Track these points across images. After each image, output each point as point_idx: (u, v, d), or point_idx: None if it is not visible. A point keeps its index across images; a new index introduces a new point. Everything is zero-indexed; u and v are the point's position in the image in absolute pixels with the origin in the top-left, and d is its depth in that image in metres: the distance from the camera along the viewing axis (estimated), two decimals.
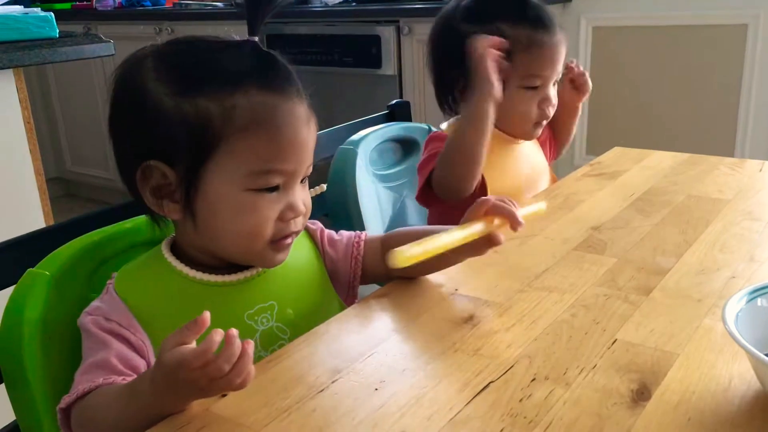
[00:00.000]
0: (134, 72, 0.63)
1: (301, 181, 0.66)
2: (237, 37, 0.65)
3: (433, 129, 1.18)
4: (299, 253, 0.73)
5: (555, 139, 1.19)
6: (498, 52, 0.94)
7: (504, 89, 0.96)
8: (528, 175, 1.06)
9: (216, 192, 0.62)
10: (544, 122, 1.03)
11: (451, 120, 1.08)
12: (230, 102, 0.60)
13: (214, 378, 0.49)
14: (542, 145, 1.15)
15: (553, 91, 1.03)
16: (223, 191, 0.62)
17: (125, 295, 0.65)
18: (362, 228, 1.08)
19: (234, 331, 0.50)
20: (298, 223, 0.66)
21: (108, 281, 0.67)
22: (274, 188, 0.63)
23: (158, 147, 0.62)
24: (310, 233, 0.76)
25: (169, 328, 0.63)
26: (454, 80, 1.02)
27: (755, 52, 2.21)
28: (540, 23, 0.99)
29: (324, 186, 0.78)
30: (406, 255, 0.62)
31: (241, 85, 0.60)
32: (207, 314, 0.51)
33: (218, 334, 0.49)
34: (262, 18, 0.64)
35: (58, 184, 3.50)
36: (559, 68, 1.02)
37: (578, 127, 1.24)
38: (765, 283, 0.56)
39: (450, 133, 0.99)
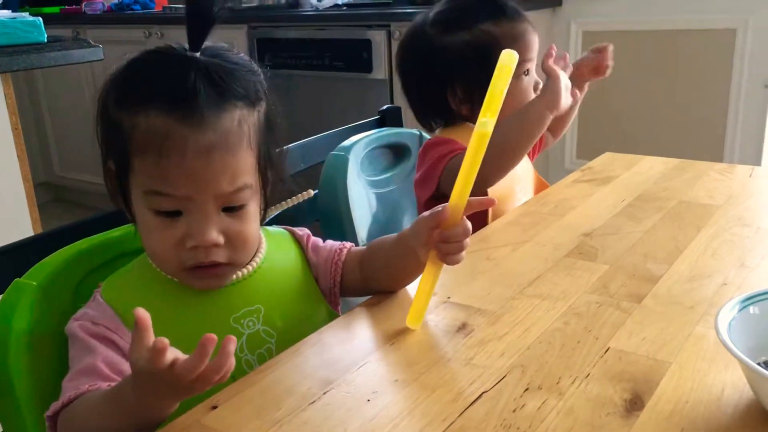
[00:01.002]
0: (105, 78, 0.65)
1: (231, 209, 0.63)
2: (189, 53, 0.62)
3: (425, 135, 1.18)
4: (287, 258, 0.73)
5: (553, 122, 1.20)
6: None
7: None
8: (519, 177, 1.07)
9: (135, 205, 0.64)
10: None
11: (443, 128, 1.08)
12: (135, 120, 0.60)
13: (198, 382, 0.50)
14: None
15: (536, 76, 1.07)
16: (137, 206, 0.63)
17: (112, 301, 0.65)
18: (354, 234, 1.08)
19: (231, 347, 0.49)
20: (210, 254, 0.62)
21: (95, 290, 0.67)
22: (175, 213, 0.62)
23: (104, 150, 0.65)
24: (297, 239, 0.76)
25: (155, 333, 0.63)
26: (444, 93, 1.04)
27: (744, 56, 2.23)
28: (517, 15, 1.05)
29: (311, 192, 0.78)
30: (413, 320, 0.66)
31: (146, 105, 0.60)
32: (212, 338, 0.49)
33: (210, 343, 0.48)
34: (204, 33, 0.62)
35: (47, 189, 3.48)
36: (537, 50, 1.07)
37: (569, 132, 1.25)
38: (757, 292, 0.56)
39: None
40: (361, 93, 2.36)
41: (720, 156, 2.32)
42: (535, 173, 1.16)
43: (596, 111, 2.41)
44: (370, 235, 1.10)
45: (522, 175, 1.09)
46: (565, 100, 0.96)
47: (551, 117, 0.96)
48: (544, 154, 1.25)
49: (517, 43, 1.01)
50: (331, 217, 1.08)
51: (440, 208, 0.65)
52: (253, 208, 0.65)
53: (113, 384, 0.57)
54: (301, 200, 0.78)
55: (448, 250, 0.65)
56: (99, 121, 0.64)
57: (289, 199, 0.76)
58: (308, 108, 2.50)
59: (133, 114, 0.60)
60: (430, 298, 0.67)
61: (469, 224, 0.65)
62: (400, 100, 2.20)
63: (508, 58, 0.63)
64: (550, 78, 0.97)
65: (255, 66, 0.67)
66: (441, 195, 0.99)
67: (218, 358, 0.49)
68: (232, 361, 0.50)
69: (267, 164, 0.66)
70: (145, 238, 0.64)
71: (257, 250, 0.70)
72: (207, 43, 0.63)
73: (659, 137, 2.40)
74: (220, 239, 0.62)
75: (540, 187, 1.14)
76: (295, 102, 2.52)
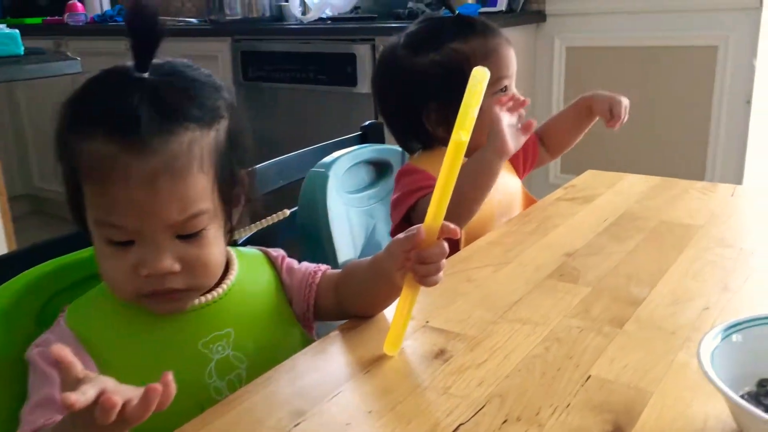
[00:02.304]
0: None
1: (187, 236, 0.60)
2: (137, 75, 0.59)
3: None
4: (259, 279, 0.71)
5: (555, 142, 1.19)
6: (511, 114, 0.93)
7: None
8: (500, 201, 1.05)
9: (91, 231, 0.61)
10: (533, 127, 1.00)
11: (419, 153, 1.07)
12: (82, 146, 0.58)
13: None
14: (514, 163, 1.14)
15: (516, 91, 1.05)
16: (92, 232, 0.61)
17: (76, 327, 0.62)
18: (333, 252, 1.06)
19: (167, 389, 0.47)
20: (166, 282, 0.60)
21: (60, 314, 0.64)
22: (127, 242, 0.59)
23: (62, 173, 0.62)
24: (271, 260, 0.74)
25: (119, 359, 0.61)
26: (419, 116, 1.03)
27: (725, 74, 2.24)
28: (488, 31, 1.04)
29: (286, 211, 0.75)
30: (391, 346, 0.64)
31: (92, 131, 0.57)
32: (155, 389, 0.47)
33: (153, 393, 0.46)
34: (151, 53, 0.59)
35: (26, 201, 3.43)
36: (515, 67, 1.05)
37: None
38: (740, 319, 0.55)
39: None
40: (345, 107, 2.34)
41: (702, 171, 2.33)
42: (523, 191, 1.14)
43: None
44: (350, 253, 1.09)
45: (505, 199, 1.07)
46: (512, 141, 0.92)
47: (502, 162, 0.93)
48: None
49: (489, 59, 0.99)
50: (310, 235, 1.06)
51: (415, 230, 0.63)
52: (213, 232, 0.62)
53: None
54: (274, 221, 0.75)
55: (426, 271, 0.63)
56: (55, 144, 0.62)
57: (262, 220, 0.74)
58: (292, 122, 2.49)
59: (81, 139, 0.58)
60: (408, 322, 0.65)
61: (445, 244, 0.63)
62: None
63: (480, 75, 0.62)
64: (491, 123, 0.93)
65: (217, 82, 0.64)
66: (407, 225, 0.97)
67: (142, 401, 0.46)
68: (169, 393, 0.48)
69: (231, 184, 0.64)
70: (101, 266, 0.62)
71: (228, 272, 0.68)
72: (169, 59, 0.61)
73: (642, 153, 2.40)
74: (176, 267, 0.59)
75: (528, 204, 1.12)
76: (278, 115, 2.51)
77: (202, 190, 0.59)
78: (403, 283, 0.64)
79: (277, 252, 0.75)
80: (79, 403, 0.44)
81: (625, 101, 1.10)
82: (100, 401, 0.44)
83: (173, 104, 0.58)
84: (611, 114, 1.09)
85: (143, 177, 0.56)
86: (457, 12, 1.09)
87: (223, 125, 0.62)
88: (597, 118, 1.14)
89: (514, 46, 1.06)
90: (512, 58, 1.04)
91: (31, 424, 0.55)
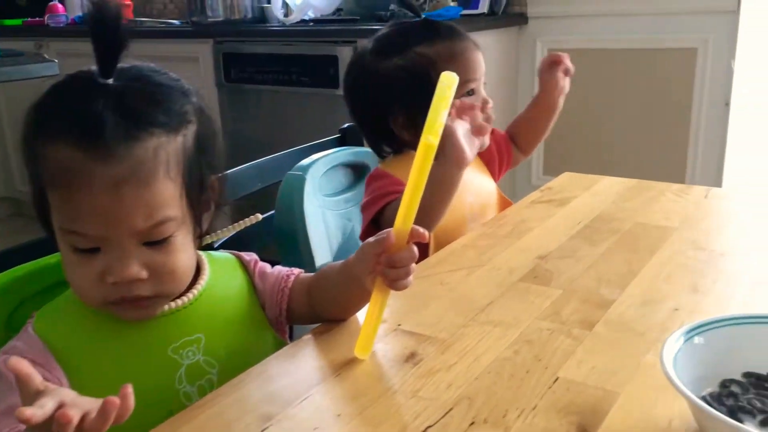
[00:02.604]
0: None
1: (153, 243, 0.60)
2: (101, 80, 0.59)
3: None
4: (231, 284, 0.71)
5: (523, 140, 1.19)
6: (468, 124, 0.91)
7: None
8: (472, 204, 1.05)
9: (57, 238, 0.61)
10: (490, 127, 0.97)
11: (390, 157, 1.07)
12: (46, 152, 0.58)
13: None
14: (488, 165, 1.14)
15: (485, 93, 1.04)
16: (58, 239, 0.61)
17: (44, 334, 0.62)
18: (310, 255, 1.06)
19: (124, 402, 0.47)
20: (133, 289, 0.60)
21: (29, 320, 0.64)
22: (93, 249, 0.59)
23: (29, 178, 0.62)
24: (244, 264, 0.74)
25: (87, 366, 0.61)
26: (387, 120, 1.03)
27: (705, 75, 2.27)
28: (454, 34, 1.04)
29: (259, 216, 0.75)
30: (361, 350, 0.64)
31: (56, 138, 0.57)
32: (113, 402, 0.47)
33: (111, 407, 0.46)
34: (114, 58, 0.58)
35: (8, 204, 3.40)
36: (483, 70, 1.04)
37: (536, 149, 1.24)
38: (701, 322, 0.55)
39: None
40: (327, 109, 2.34)
41: (682, 172, 2.36)
42: (498, 193, 1.15)
43: (561, 128, 2.43)
44: (327, 257, 1.09)
45: (478, 201, 1.08)
46: (469, 149, 0.89)
47: (462, 171, 0.91)
48: (511, 171, 1.24)
49: (454, 62, 0.99)
50: (287, 239, 1.06)
51: (385, 234, 0.63)
52: (181, 239, 0.62)
53: None
54: (246, 226, 0.75)
55: (395, 275, 0.63)
56: (21, 149, 0.61)
57: (235, 224, 0.74)
58: (275, 123, 2.48)
59: (45, 145, 0.58)
60: (378, 326, 0.66)
61: (415, 248, 0.63)
62: None
63: (448, 79, 0.62)
64: (445, 137, 0.87)
65: (185, 86, 0.64)
66: (376, 228, 0.97)
67: (99, 414, 0.46)
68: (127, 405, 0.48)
69: (200, 190, 0.64)
70: (67, 273, 0.62)
71: (198, 278, 0.68)
72: (137, 63, 0.61)
73: (623, 154, 2.42)
74: (143, 273, 0.59)
75: (504, 207, 1.13)
76: (261, 117, 2.50)
77: (168, 197, 0.59)
78: (373, 288, 0.65)
79: (250, 256, 0.75)
80: (36, 417, 0.43)
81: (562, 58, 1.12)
82: (55, 416, 0.44)
83: (138, 110, 0.58)
84: (554, 63, 1.10)
85: (107, 184, 0.56)
86: (423, 16, 1.10)
87: (191, 130, 0.62)
88: (558, 110, 1.15)
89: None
90: (479, 62, 1.04)
91: None
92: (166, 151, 0.59)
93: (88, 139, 0.56)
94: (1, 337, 0.65)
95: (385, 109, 1.03)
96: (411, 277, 0.64)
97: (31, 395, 0.46)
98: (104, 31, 0.57)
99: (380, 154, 1.09)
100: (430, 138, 0.60)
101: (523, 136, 1.20)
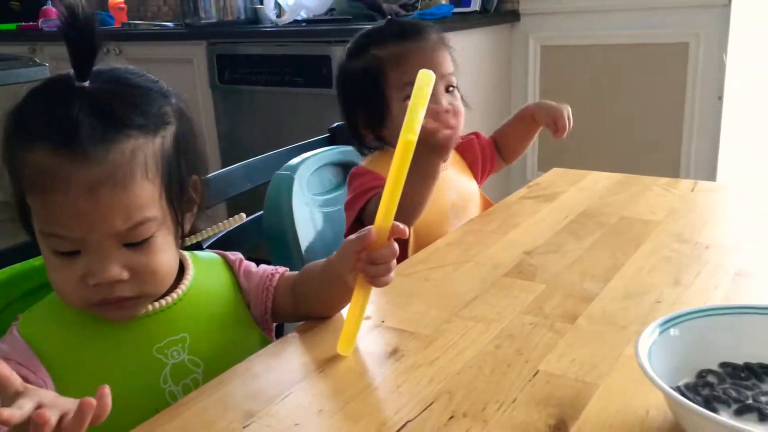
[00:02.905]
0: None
1: (134, 244, 0.60)
2: (77, 83, 0.59)
3: None
4: (216, 283, 0.71)
5: (508, 151, 1.19)
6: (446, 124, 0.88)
7: (390, 110, 0.98)
8: (454, 201, 1.06)
9: (39, 242, 0.61)
10: (449, 131, 0.89)
11: (373, 154, 1.08)
12: (24, 156, 0.58)
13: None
14: (471, 166, 1.15)
15: (447, 98, 1.00)
16: (39, 243, 0.61)
17: (29, 336, 0.63)
18: (299, 254, 1.06)
19: (101, 402, 0.47)
20: (115, 290, 0.60)
21: (13, 322, 0.64)
22: (74, 252, 0.59)
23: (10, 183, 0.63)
24: (228, 263, 0.74)
25: (72, 367, 0.61)
26: (356, 119, 1.04)
27: (697, 70, 2.27)
28: (402, 34, 1.03)
29: (243, 215, 0.76)
30: (344, 347, 0.64)
31: (32, 141, 0.58)
32: (90, 403, 0.47)
33: (88, 408, 0.46)
34: (90, 61, 0.59)
35: (4, 208, 3.39)
36: (443, 70, 1.00)
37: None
38: (676, 313, 0.56)
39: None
40: (321, 109, 2.34)
41: (677, 167, 2.36)
42: (481, 195, 1.15)
43: None
44: (317, 256, 1.09)
45: (460, 200, 1.08)
46: (444, 137, 0.86)
47: (441, 162, 0.90)
48: (505, 167, 1.24)
49: (398, 64, 0.99)
50: (276, 238, 1.06)
51: (366, 231, 0.64)
52: (162, 239, 0.62)
53: None
54: (231, 226, 0.76)
55: (376, 272, 0.64)
56: (2, 153, 0.61)
57: (219, 224, 0.74)
58: (269, 124, 2.49)
59: (22, 149, 0.58)
60: (360, 322, 0.66)
61: (395, 245, 0.64)
62: None
63: (425, 77, 0.63)
64: (425, 136, 0.82)
65: (164, 87, 0.65)
66: (360, 226, 0.97)
67: (76, 416, 0.46)
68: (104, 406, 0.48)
69: (180, 190, 0.64)
70: (50, 276, 0.62)
71: (183, 277, 0.68)
72: (116, 65, 0.62)
73: (617, 150, 2.43)
74: (124, 275, 0.60)
75: (486, 208, 1.13)
76: (255, 118, 2.51)
77: (147, 198, 0.60)
78: (354, 285, 0.65)
79: (235, 255, 0.75)
80: (14, 418, 0.44)
81: (567, 110, 1.10)
82: (33, 417, 0.45)
83: (114, 112, 0.58)
84: (556, 126, 1.10)
85: (84, 186, 0.56)
86: (388, 17, 1.11)
87: (170, 131, 0.63)
88: (542, 127, 1.14)
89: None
90: (428, 63, 0.95)
91: None
92: (144, 152, 0.59)
93: (64, 142, 0.56)
94: None
95: (351, 109, 1.06)
96: (392, 274, 0.65)
97: (11, 396, 0.46)
98: (78, 35, 0.58)
99: (362, 152, 1.10)
100: (409, 136, 0.61)
101: (508, 147, 1.19)
